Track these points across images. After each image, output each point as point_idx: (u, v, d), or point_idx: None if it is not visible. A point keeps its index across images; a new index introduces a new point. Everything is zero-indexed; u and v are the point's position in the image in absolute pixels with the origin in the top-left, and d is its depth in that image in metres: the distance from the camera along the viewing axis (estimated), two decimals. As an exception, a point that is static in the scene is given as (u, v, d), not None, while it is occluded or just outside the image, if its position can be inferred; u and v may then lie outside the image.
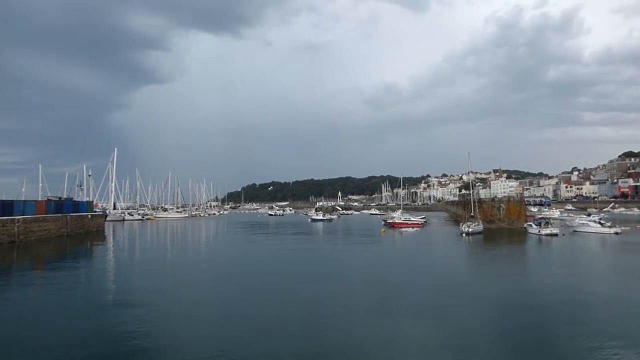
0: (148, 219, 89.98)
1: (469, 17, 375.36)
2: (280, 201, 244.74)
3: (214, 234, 56.92)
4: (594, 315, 14.55)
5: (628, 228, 45.86)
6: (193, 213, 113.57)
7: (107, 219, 70.84)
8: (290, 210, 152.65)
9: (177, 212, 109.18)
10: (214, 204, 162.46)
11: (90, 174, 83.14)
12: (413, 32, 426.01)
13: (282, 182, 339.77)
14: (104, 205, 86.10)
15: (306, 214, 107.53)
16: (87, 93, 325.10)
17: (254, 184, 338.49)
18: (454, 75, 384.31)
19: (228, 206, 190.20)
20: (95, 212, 61.39)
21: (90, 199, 72.08)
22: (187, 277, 22.64)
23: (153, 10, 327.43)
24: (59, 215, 47.76)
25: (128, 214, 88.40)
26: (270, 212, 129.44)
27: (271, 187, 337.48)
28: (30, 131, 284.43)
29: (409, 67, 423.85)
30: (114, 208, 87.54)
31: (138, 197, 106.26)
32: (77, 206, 54.66)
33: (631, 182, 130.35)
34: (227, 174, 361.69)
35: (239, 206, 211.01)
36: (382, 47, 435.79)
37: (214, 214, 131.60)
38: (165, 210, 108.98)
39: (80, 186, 78.88)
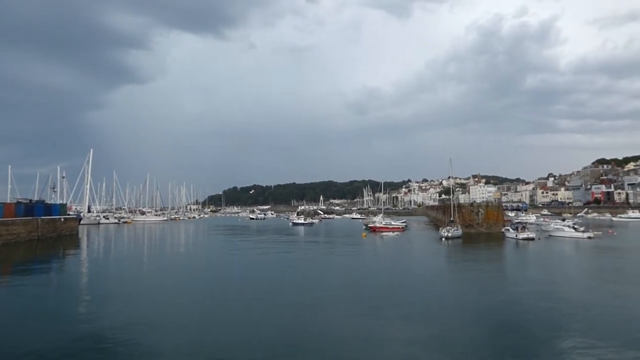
0: (125, 222, 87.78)
1: (451, 25, 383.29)
2: (262, 205, 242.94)
3: (193, 238, 55.90)
4: (568, 315, 14.94)
5: (600, 233, 47.19)
6: (172, 216, 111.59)
7: (82, 222, 68.72)
8: (271, 214, 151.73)
9: (156, 215, 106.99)
10: (194, 207, 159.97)
11: (64, 175, 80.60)
12: (396, 38, 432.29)
13: (264, 185, 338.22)
14: (79, 208, 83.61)
15: (288, 218, 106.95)
16: (62, 91, 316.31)
17: (235, 187, 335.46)
18: (437, 81, 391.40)
19: (208, 209, 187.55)
20: (68, 215, 59.52)
21: (64, 202, 69.72)
22: (164, 284, 22.00)
23: (134, 8, 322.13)
24: (30, 218, 46.05)
25: (104, 217, 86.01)
26: (251, 216, 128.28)
27: (252, 191, 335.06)
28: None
29: (392, 72, 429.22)
30: (89, 211, 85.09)
31: (114, 199, 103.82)
32: (49, 209, 52.82)
33: (603, 188, 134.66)
34: (208, 177, 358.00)
35: (220, 209, 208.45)
36: (365, 52, 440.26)
37: (194, 217, 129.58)
38: (143, 213, 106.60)
39: (54, 188, 76.31)
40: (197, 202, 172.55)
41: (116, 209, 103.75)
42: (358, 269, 26.73)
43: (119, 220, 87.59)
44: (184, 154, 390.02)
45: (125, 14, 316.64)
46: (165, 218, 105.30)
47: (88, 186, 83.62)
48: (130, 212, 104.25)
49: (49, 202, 60.94)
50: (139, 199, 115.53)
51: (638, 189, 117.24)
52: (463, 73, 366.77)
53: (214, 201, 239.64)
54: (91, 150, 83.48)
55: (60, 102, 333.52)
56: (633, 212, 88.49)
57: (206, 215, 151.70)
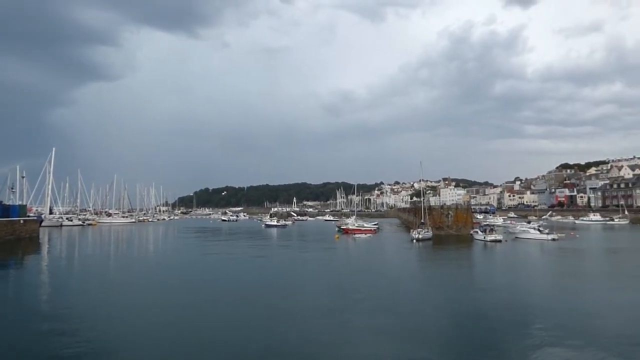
0: (89, 224, 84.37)
1: (423, 31, 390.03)
2: (234, 206, 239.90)
3: (161, 241, 54.33)
4: (530, 310, 15.75)
5: (563, 235, 48.94)
6: (141, 218, 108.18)
7: (43, 224, 65.51)
8: (244, 215, 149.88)
9: (123, 217, 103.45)
10: (163, 208, 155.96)
11: (23, 175, 76.34)
12: (370, 41, 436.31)
13: (237, 187, 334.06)
14: (40, 209, 79.81)
15: (260, 220, 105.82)
16: (23, 88, 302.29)
17: (206, 189, 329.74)
18: (409, 85, 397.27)
19: (179, 211, 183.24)
20: (28, 217, 56.63)
21: (23, 203, 66.28)
22: (128, 289, 21.10)
23: (101, 3, 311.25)
24: (-15, 219, 43.45)
25: (67, 219, 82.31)
26: (223, 218, 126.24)
27: (225, 192, 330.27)
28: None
29: (366, 75, 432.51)
30: (51, 212, 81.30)
31: (79, 200, 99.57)
32: (7, 210, 50.05)
33: (567, 192, 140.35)
34: (179, 177, 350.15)
35: (191, 211, 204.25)
36: (340, 54, 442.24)
37: (164, 219, 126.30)
38: (109, 215, 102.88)
39: (12, 188, 72.26)
40: (167, 204, 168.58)
41: (81, 211, 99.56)
42: (330, 271, 26.60)
43: (84, 222, 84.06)
44: (154, 154, 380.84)
45: (93, 8, 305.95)
46: (133, 220, 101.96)
47: (50, 186, 79.93)
48: (96, 213, 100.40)
49: (7, 204, 57.70)
50: (105, 200, 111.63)
51: (599, 193, 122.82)
52: (435, 78, 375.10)
53: (185, 203, 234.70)
54: (53, 149, 79.93)
55: (21, 99, 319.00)
56: (594, 215, 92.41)
57: (176, 217, 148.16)
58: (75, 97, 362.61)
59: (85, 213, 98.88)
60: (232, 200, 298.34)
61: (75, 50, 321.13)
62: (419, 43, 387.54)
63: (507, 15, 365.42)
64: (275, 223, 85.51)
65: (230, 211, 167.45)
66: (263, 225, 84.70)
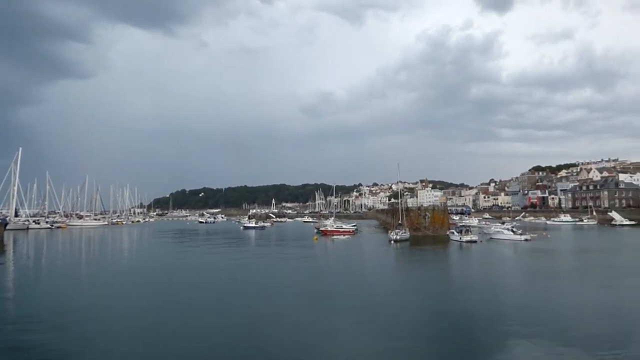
0: (58, 227, 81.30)
1: (402, 34, 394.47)
2: (212, 208, 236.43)
3: (136, 244, 52.87)
4: (503, 307, 16.44)
5: (536, 235, 50.17)
6: (114, 221, 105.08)
7: (8, 227, 62.86)
8: (222, 217, 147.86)
9: (95, 219, 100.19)
10: (138, 210, 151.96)
11: (-14, 176, 73.25)
12: (350, 43, 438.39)
13: (214, 188, 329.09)
14: (4, 212, 76.42)
15: (239, 222, 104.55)
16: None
17: (183, 190, 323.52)
18: (388, 88, 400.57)
19: (154, 213, 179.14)
20: (-8, 219, 54.14)
21: (-13, 205, 63.44)
22: (96, 295, 20.27)
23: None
24: (-56, 222, 41.19)
25: (34, 222, 79.07)
26: (200, 220, 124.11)
27: (202, 194, 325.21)
28: None
29: (345, 77, 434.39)
30: (16, 215, 77.90)
31: (47, 202, 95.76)
32: (-32, 212, 47.71)
33: (539, 193, 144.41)
34: (155, 179, 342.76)
35: (167, 213, 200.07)
36: (320, 56, 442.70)
37: (139, 221, 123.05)
38: (80, 217, 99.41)
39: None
40: (142, 206, 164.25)
41: (49, 213, 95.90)
42: (308, 273, 26.38)
43: (52, 225, 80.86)
44: (128, 154, 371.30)
45: (62, 3, 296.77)
46: (106, 222, 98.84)
47: (15, 188, 76.49)
48: (66, 216, 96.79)
49: (-31, 205, 55.10)
50: (76, 202, 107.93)
51: (569, 195, 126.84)
52: (413, 81, 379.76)
53: (161, 204, 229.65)
54: (20, 149, 76.64)
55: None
56: (565, 216, 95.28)
57: (152, 219, 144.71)
58: (43, 95, 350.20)
59: (54, 215, 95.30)
60: (209, 202, 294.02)
61: (43, 46, 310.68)
62: (397, 46, 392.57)
63: (483, 21, 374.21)
64: (253, 225, 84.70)
65: (207, 213, 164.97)
66: (241, 227, 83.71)
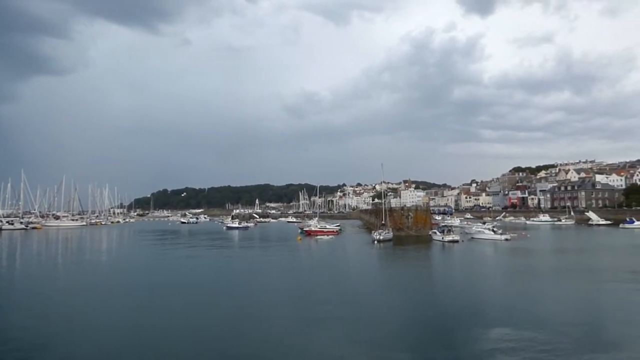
0: (34, 228, 78.97)
1: (386, 35, 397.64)
2: (195, 208, 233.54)
3: (115, 244, 51.69)
4: (484, 304, 16.68)
5: (516, 235, 51.02)
6: (93, 221, 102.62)
7: (-20, 228, 60.68)
8: (205, 217, 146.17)
9: (73, 220, 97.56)
10: (118, 211, 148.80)
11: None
12: (334, 44, 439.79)
13: (197, 188, 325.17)
14: (-24, 212, 73.89)
15: (222, 222, 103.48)
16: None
17: (165, 190, 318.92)
18: (372, 89, 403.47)
19: (135, 213, 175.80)
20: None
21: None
22: (70, 298, 19.65)
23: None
24: None
25: (7, 222, 76.54)
26: (182, 220, 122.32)
27: (184, 194, 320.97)
28: None
29: (330, 77, 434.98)
30: (-11, 216, 75.51)
31: (22, 202, 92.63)
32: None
33: (519, 194, 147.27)
34: (136, 178, 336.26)
35: (148, 213, 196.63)
36: (304, 56, 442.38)
37: (118, 222, 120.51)
38: (57, 218, 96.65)
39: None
40: (121, 206, 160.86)
41: (24, 214, 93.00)
42: (291, 273, 26.21)
43: (27, 226, 78.45)
44: (108, 153, 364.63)
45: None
46: (84, 223, 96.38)
47: (-12, 187, 74.05)
48: (42, 216, 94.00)
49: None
50: (52, 202, 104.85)
51: (548, 195, 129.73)
52: (396, 82, 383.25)
53: (142, 204, 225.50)
54: (-6, 147, 74.22)
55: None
56: (544, 216, 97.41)
57: (132, 220, 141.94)
58: (18, 91, 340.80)
59: (29, 216, 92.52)
60: (192, 202, 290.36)
61: (18, 41, 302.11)
62: (382, 47, 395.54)
63: (466, 23, 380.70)
64: (237, 225, 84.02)
65: (190, 213, 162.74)
66: (224, 227, 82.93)
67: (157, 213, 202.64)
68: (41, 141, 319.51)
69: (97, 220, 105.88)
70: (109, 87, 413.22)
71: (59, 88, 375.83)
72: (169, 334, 13.26)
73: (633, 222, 69.04)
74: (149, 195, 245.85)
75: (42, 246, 47.94)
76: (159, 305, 17.40)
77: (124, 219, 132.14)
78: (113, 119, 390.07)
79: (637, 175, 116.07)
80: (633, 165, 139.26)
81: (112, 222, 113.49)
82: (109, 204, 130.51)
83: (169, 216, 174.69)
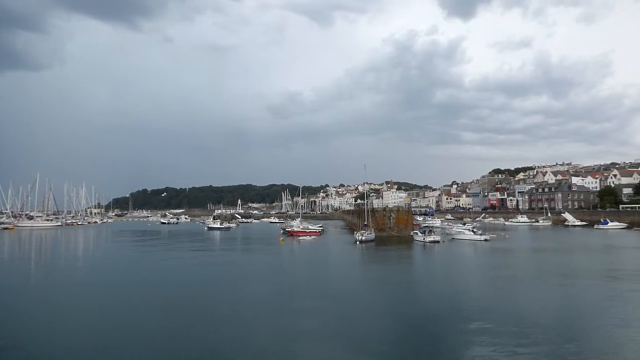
0: (5, 228, 76.27)
1: (370, 37, 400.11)
2: (175, 208, 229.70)
3: (91, 245, 50.30)
4: (465, 307, 16.52)
5: (495, 235, 51.85)
6: (68, 221, 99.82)
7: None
8: (185, 218, 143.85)
9: (47, 220, 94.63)
10: (95, 211, 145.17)
11: None
12: (318, 44, 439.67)
13: (178, 188, 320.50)
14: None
15: (203, 222, 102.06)
16: None
17: (144, 190, 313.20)
18: (355, 90, 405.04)
19: (113, 213, 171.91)
20: None
21: None
22: (39, 301, 18.87)
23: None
24: None
25: (-23, 222, 73.85)
26: (162, 220, 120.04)
27: (165, 193, 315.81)
28: None
29: (313, 78, 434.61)
30: (-41, 215, 72.52)
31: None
32: None
33: (498, 195, 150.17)
34: (114, 177, 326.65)
35: (127, 213, 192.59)
36: (288, 55, 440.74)
37: (96, 222, 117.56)
38: (30, 218, 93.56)
39: None
40: (99, 206, 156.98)
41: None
42: (273, 274, 25.90)
43: (-2, 226, 75.86)
44: (85, 151, 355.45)
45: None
46: (59, 223, 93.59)
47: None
48: (14, 216, 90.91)
49: None
50: (25, 202, 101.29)
51: (526, 197, 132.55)
52: (379, 84, 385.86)
53: (120, 204, 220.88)
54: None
55: None
56: (522, 217, 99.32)
57: (110, 220, 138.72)
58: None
59: (0, 216, 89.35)
60: (172, 202, 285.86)
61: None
62: (365, 48, 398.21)
63: (448, 27, 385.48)
64: (218, 225, 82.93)
65: (170, 213, 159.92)
66: (205, 228, 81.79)
67: (136, 213, 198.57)
68: (14, 138, 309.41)
69: (73, 221, 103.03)
70: (87, 84, 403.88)
71: (33, 84, 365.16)
72: (137, 338, 12.82)
73: (607, 223, 71.06)
74: (127, 195, 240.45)
75: (14, 246, 46.22)
76: (128, 309, 16.86)
77: (102, 219, 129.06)
78: (91, 116, 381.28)
79: (611, 178, 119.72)
80: (607, 168, 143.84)
81: (89, 223, 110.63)
82: (85, 204, 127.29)
83: (148, 216, 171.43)
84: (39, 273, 28.07)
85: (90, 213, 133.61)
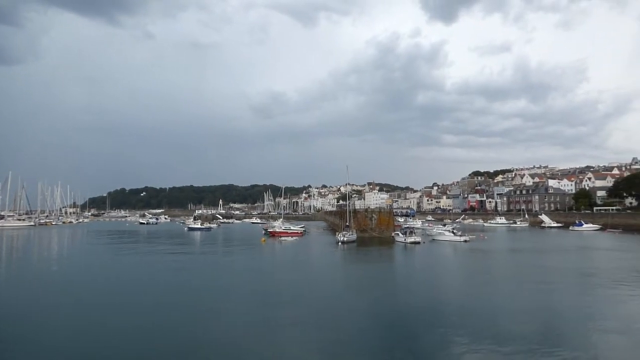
0: (-26, 227, 73.38)
1: (353, 38, 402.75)
2: (155, 208, 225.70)
3: (65, 245, 48.71)
4: (445, 307, 16.78)
5: (474, 237, 52.60)
6: (42, 221, 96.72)
7: None
8: (165, 218, 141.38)
9: (19, 219, 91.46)
10: (71, 210, 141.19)
11: None
12: (302, 44, 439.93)
13: (157, 187, 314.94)
14: None
15: (183, 223, 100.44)
16: None
17: (123, 189, 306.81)
18: (338, 91, 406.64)
19: (89, 213, 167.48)
20: None
21: None
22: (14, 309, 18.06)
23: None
24: None
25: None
26: (141, 220, 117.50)
27: (144, 193, 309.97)
28: None
29: (297, 78, 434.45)
30: None
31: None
32: None
33: (478, 197, 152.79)
34: (91, 176, 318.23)
35: (104, 213, 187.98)
36: (272, 55, 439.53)
37: (71, 222, 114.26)
38: (1, 217, 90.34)
39: None
40: (75, 205, 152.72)
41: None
42: (254, 276, 25.56)
43: (-34, 226, 72.84)
44: (61, 150, 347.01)
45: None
46: (32, 223, 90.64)
47: None
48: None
49: None
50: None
51: (504, 199, 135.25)
52: (362, 85, 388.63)
53: (97, 204, 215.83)
54: None
55: None
56: (500, 218, 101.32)
57: (86, 220, 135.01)
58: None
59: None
60: (152, 202, 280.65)
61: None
62: (348, 50, 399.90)
63: (430, 30, 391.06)
64: (199, 226, 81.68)
65: (149, 213, 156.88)
66: (186, 229, 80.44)
67: (114, 213, 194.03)
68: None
69: (47, 220, 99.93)
70: (63, 80, 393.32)
71: (5, 79, 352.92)
72: (108, 344, 12.35)
73: (582, 224, 73.05)
74: (105, 195, 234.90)
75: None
76: (97, 314, 16.30)
77: (78, 219, 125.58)
78: (67, 113, 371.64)
79: (586, 181, 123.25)
80: (582, 171, 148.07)
81: (63, 222, 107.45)
82: (61, 203, 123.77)
83: (126, 216, 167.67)
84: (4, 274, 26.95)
85: (66, 213, 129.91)
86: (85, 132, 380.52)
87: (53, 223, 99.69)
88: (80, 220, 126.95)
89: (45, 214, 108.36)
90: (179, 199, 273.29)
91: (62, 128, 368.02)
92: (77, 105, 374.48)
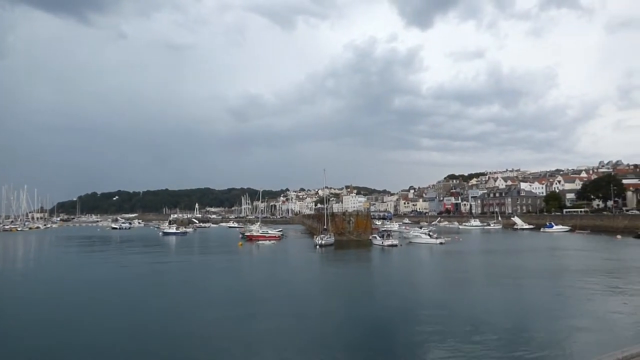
0: None
1: (331, 42, 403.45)
2: (128, 213, 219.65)
3: (31, 253, 46.64)
4: (421, 307, 16.90)
5: (450, 239, 53.42)
6: (6, 227, 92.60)
7: None
8: (139, 222, 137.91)
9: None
10: (38, 215, 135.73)
11: None
12: (280, 47, 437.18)
13: (131, 191, 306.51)
14: None
15: (158, 227, 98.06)
16: None
17: (94, 193, 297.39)
18: (316, 94, 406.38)
19: (58, 218, 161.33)
20: None
21: None
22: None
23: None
24: None
25: None
26: (114, 225, 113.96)
27: (117, 197, 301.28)
28: None
29: (274, 81, 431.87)
30: None
31: None
32: None
33: (453, 200, 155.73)
34: (60, 180, 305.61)
35: (74, 218, 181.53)
36: (249, 57, 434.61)
37: (38, 227, 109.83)
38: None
39: None
40: (42, 210, 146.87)
41: None
42: (231, 280, 25.13)
43: None
44: (26, 153, 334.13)
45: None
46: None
47: None
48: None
49: None
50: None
51: (478, 201, 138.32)
52: (340, 89, 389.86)
53: (67, 209, 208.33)
54: None
55: None
56: (475, 221, 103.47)
57: (55, 225, 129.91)
58: None
59: None
60: (125, 206, 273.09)
61: None
62: (326, 54, 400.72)
63: (407, 35, 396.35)
64: (174, 230, 79.87)
65: (122, 218, 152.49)
66: (160, 233, 78.48)
67: (84, 218, 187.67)
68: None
69: (12, 226, 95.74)
70: (30, 80, 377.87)
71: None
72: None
73: (552, 226, 75.34)
74: (75, 199, 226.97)
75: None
76: (64, 327, 15.56)
77: (45, 225, 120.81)
78: (34, 114, 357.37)
79: (556, 183, 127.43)
80: (552, 174, 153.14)
81: (30, 228, 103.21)
82: (27, 208, 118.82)
83: (98, 221, 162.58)
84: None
85: (32, 218, 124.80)
86: (53, 134, 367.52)
87: (18, 229, 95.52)
88: (49, 225, 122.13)
89: (10, 220, 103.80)
90: (154, 203, 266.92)
91: (29, 129, 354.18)
92: (44, 105, 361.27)
